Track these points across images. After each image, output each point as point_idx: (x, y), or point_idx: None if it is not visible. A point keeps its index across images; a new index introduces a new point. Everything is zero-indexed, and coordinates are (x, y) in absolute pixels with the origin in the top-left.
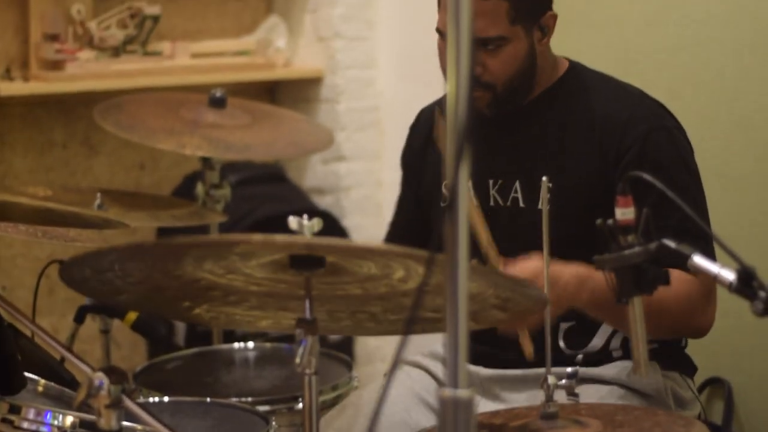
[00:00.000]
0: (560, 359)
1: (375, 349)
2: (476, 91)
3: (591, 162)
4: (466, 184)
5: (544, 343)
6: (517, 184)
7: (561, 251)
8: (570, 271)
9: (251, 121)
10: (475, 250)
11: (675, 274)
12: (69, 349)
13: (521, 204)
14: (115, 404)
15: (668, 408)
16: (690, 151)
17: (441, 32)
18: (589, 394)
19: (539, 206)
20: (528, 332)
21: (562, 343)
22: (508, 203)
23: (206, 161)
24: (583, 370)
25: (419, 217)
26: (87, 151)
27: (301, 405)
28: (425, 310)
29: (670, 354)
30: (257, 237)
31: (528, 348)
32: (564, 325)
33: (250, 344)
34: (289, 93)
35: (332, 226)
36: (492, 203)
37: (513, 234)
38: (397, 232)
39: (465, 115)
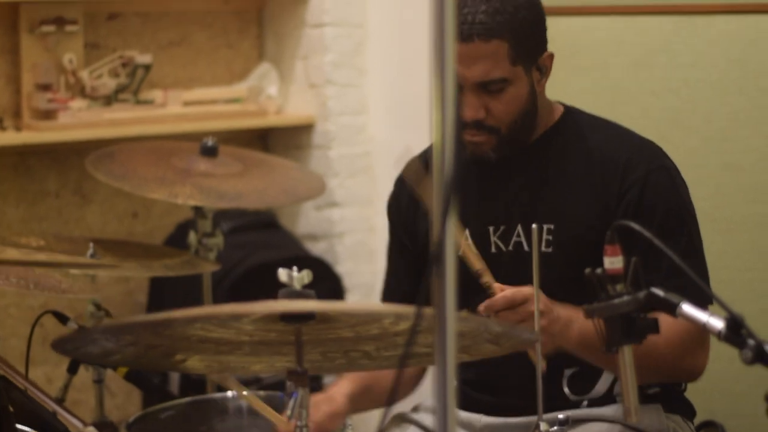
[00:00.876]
0: (565, 405)
1: None
2: (481, 135)
3: (591, 205)
4: (453, 236)
5: (537, 388)
6: (519, 228)
7: (564, 294)
8: (562, 306)
9: (243, 170)
10: (465, 297)
11: (667, 317)
12: (61, 404)
13: (525, 248)
14: None
15: None
16: (687, 192)
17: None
18: None
19: (543, 248)
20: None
21: (566, 389)
22: (511, 248)
23: (198, 210)
24: (587, 411)
25: (411, 266)
26: (79, 200)
27: None
28: (418, 346)
29: (672, 397)
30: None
31: (538, 361)
32: (568, 371)
33: (244, 393)
34: (281, 140)
35: (325, 272)
36: (494, 250)
37: (517, 279)
38: (393, 284)
39: (452, 166)
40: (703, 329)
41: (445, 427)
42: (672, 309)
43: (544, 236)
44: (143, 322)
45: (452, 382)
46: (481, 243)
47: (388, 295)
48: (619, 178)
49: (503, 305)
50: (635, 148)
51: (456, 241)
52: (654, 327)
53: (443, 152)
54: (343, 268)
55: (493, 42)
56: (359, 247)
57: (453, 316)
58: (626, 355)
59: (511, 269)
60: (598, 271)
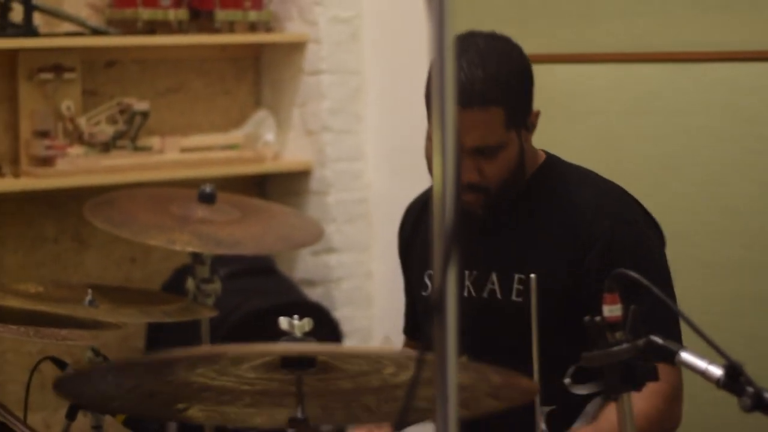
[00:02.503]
0: None
1: None
2: (471, 195)
3: (561, 256)
4: (455, 286)
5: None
6: (494, 275)
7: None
8: None
9: (241, 216)
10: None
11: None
12: None
13: (498, 296)
14: None
15: None
16: (658, 246)
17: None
18: None
19: (513, 298)
20: None
21: (543, 426)
22: (484, 294)
23: (196, 256)
24: None
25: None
26: (77, 245)
27: None
28: (418, 399)
29: None
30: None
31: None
32: (545, 409)
33: None
34: (279, 186)
35: (323, 318)
36: (466, 294)
37: (488, 325)
38: (411, 322)
39: (452, 217)
40: (702, 376)
41: None
42: (671, 357)
43: (515, 285)
44: (146, 361)
45: (454, 427)
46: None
47: (407, 330)
48: (586, 231)
49: None
50: (604, 202)
51: None
52: (653, 374)
53: (444, 203)
54: (340, 314)
55: (490, 109)
56: (356, 293)
57: (454, 365)
58: (625, 402)
59: (483, 316)
60: (597, 319)
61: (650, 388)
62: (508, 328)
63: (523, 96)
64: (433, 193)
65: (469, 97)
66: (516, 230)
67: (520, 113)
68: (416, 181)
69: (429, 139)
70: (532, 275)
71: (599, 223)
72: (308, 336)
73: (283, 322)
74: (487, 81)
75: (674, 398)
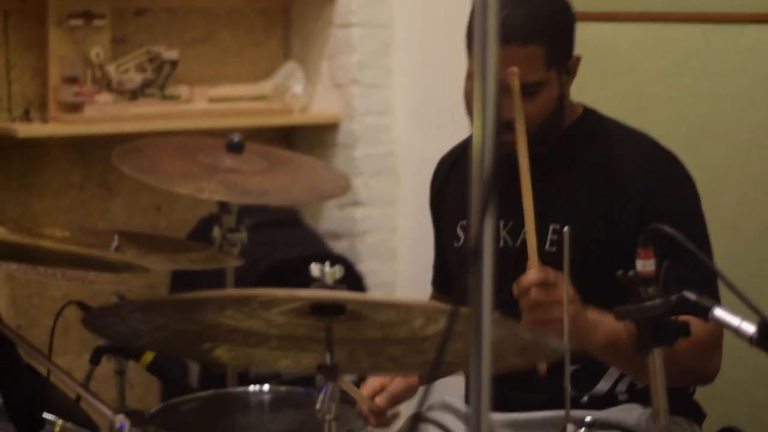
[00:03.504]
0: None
1: None
2: (508, 134)
3: (597, 208)
4: (491, 232)
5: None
6: (523, 232)
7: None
8: (592, 308)
9: (268, 167)
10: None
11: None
12: (90, 391)
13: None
14: None
15: None
16: (697, 203)
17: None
18: None
19: (546, 248)
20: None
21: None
22: (518, 244)
23: (223, 205)
24: (585, 413)
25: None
26: (104, 193)
27: None
28: (445, 354)
29: (675, 399)
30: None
31: (542, 364)
32: (571, 368)
33: (266, 387)
34: (306, 138)
35: (347, 271)
36: (502, 244)
37: (516, 276)
38: (441, 275)
39: (491, 164)
40: (735, 333)
41: (479, 428)
42: (704, 313)
43: (549, 236)
44: (175, 300)
45: (487, 381)
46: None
47: (435, 282)
48: (625, 185)
49: (537, 281)
50: (644, 156)
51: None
52: (685, 330)
53: (483, 150)
54: (364, 267)
55: (530, 46)
56: (381, 247)
57: (489, 314)
58: (657, 358)
59: (516, 266)
60: (630, 273)
61: (699, 321)
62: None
63: (565, 36)
64: (473, 135)
65: (509, 33)
66: (553, 181)
67: (561, 54)
68: (444, 136)
69: (469, 77)
70: (566, 228)
71: (639, 178)
72: (339, 284)
73: (315, 269)
74: (529, 17)
75: (717, 342)
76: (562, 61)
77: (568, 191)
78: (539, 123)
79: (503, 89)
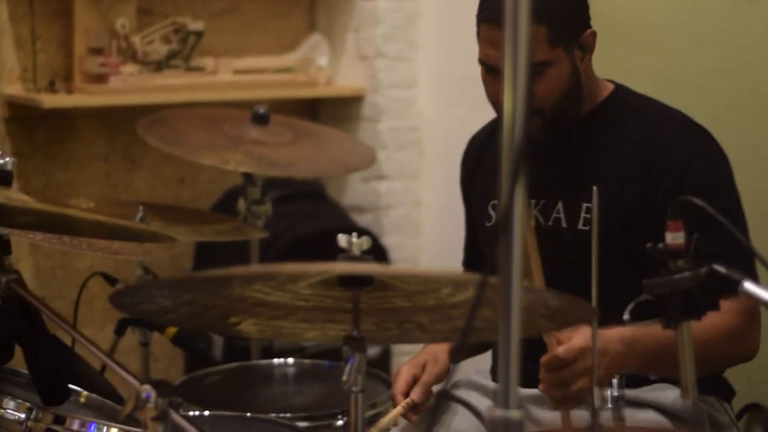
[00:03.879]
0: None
1: None
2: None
3: (631, 186)
4: (521, 206)
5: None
6: (560, 204)
7: (598, 274)
8: (616, 337)
9: (294, 138)
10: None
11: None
12: (116, 361)
13: (563, 224)
14: (162, 417)
15: (704, 431)
16: (732, 179)
17: (483, 63)
18: (627, 418)
19: (579, 227)
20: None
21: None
22: (550, 223)
23: (248, 177)
24: (639, 393)
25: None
26: (128, 164)
27: (340, 422)
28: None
29: (705, 379)
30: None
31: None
32: None
33: (290, 360)
34: (330, 111)
35: (372, 244)
36: (533, 223)
37: (552, 254)
38: (471, 255)
39: (521, 135)
40: (765, 307)
41: (506, 399)
42: (733, 286)
43: (582, 214)
44: (202, 277)
45: (516, 354)
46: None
47: (466, 263)
48: (661, 161)
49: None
50: (680, 132)
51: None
52: (714, 304)
53: (513, 121)
54: (388, 241)
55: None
56: (405, 221)
57: (519, 285)
58: (685, 331)
59: (548, 244)
60: (659, 246)
61: (728, 306)
62: (573, 257)
63: (569, 13)
64: (503, 111)
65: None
66: (585, 159)
67: (568, 31)
68: (469, 110)
69: (483, 64)
70: (594, 187)
71: (674, 155)
72: (366, 255)
73: (342, 239)
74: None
75: (753, 320)
76: (571, 37)
77: (602, 170)
78: (553, 102)
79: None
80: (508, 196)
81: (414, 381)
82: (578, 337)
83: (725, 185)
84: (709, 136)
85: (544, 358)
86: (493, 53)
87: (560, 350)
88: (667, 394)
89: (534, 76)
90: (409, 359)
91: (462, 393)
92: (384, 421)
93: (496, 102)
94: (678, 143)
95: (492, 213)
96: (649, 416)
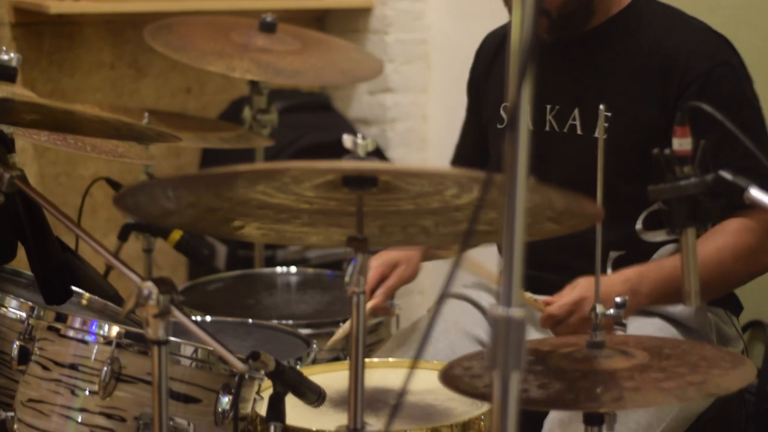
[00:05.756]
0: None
1: (413, 283)
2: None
3: (651, 95)
4: (528, 104)
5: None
6: (576, 111)
7: (614, 183)
8: (619, 280)
9: (301, 48)
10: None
11: (729, 227)
12: (119, 258)
13: (578, 131)
14: (164, 314)
15: (710, 342)
16: (753, 91)
17: None
18: (632, 327)
19: (596, 135)
20: None
21: (610, 272)
22: (565, 129)
23: (254, 85)
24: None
25: (480, 142)
26: (134, 73)
27: None
28: (479, 223)
29: None
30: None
31: None
32: (613, 254)
33: (293, 269)
34: (338, 22)
35: (378, 156)
36: (547, 128)
37: (567, 160)
38: (461, 155)
39: (529, 34)
40: None
41: (509, 299)
42: (740, 193)
43: (599, 122)
44: (206, 176)
45: (520, 253)
46: (537, 120)
47: (456, 161)
48: (681, 71)
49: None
50: (701, 42)
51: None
52: (719, 213)
53: (522, 20)
54: (394, 154)
55: None
56: (411, 134)
57: (524, 181)
58: (689, 237)
59: (562, 150)
60: (666, 151)
61: (742, 223)
62: (588, 164)
63: None
64: (513, 5)
65: None
66: (603, 67)
67: None
68: (478, 24)
69: None
70: (601, 106)
71: (695, 64)
72: (371, 155)
73: (347, 140)
74: None
75: (765, 235)
76: None
77: (620, 78)
78: (559, 6)
79: None
80: (515, 95)
81: (381, 280)
82: (569, 291)
83: (747, 97)
84: (731, 46)
85: (541, 319)
86: None
87: (553, 308)
88: (676, 304)
89: None
90: (381, 253)
91: (471, 293)
92: (336, 336)
93: (508, 1)
94: (699, 53)
95: (504, 115)
96: (655, 323)
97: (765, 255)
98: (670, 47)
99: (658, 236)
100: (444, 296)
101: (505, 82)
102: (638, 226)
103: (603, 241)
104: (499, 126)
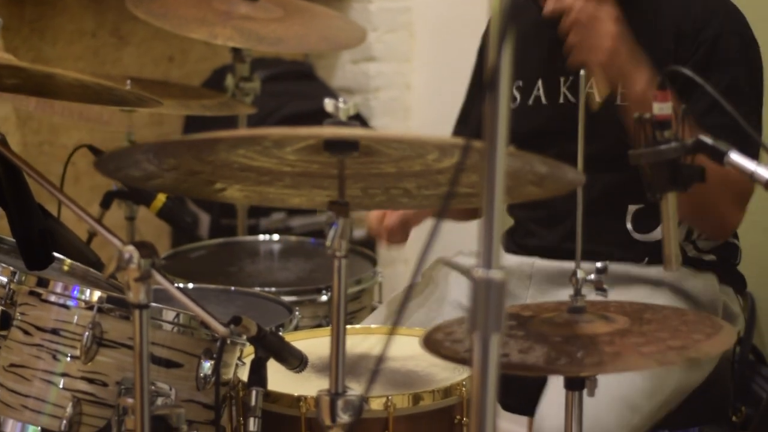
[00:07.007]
0: (628, 242)
1: (397, 252)
2: None
3: (663, 60)
4: (509, 65)
5: (575, 233)
6: (592, 80)
7: (622, 151)
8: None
9: (283, 15)
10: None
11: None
12: (101, 223)
13: (597, 99)
14: (144, 278)
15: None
16: (759, 65)
17: None
18: (640, 295)
19: (617, 102)
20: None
21: (629, 225)
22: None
23: (237, 53)
24: (637, 270)
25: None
26: (116, 41)
27: (324, 297)
28: (460, 186)
29: (724, 270)
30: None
31: (602, 90)
32: (632, 207)
33: (275, 237)
34: None
35: (361, 125)
36: (562, 100)
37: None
38: (463, 118)
39: None
40: (750, 180)
41: (489, 260)
42: (720, 157)
43: (619, 90)
44: (188, 141)
45: (500, 216)
46: (552, 94)
47: (458, 125)
48: (692, 36)
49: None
50: (714, 9)
51: None
52: (700, 175)
53: None
54: (378, 123)
55: None
56: (394, 104)
57: (504, 144)
58: (670, 202)
59: (576, 121)
60: (647, 116)
61: (729, 171)
62: (612, 130)
63: None
64: None
65: None
66: None
67: None
68: None
69: None
70: (582, 71)
71: (705, 31)
72: (352, 120)
73: (329, 104)
74: None
75: (741, 199)
76: None
77: (638, 43)
78: None
79: None
80: (495, 56)
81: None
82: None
83: (750, 68)
84: (744, 18)
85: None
86: None
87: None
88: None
89: None
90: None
91: (464, 260)
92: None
93: None
94: (711, 20)
95: (516, 95)
96: (666, 294)
97: (735, 211)
98: (682, 12)
99: (650, 237)
100: (421, 262)
101: (520, 57)
102: (628, 226)
103: (623, 195)
104: (512, 105)
